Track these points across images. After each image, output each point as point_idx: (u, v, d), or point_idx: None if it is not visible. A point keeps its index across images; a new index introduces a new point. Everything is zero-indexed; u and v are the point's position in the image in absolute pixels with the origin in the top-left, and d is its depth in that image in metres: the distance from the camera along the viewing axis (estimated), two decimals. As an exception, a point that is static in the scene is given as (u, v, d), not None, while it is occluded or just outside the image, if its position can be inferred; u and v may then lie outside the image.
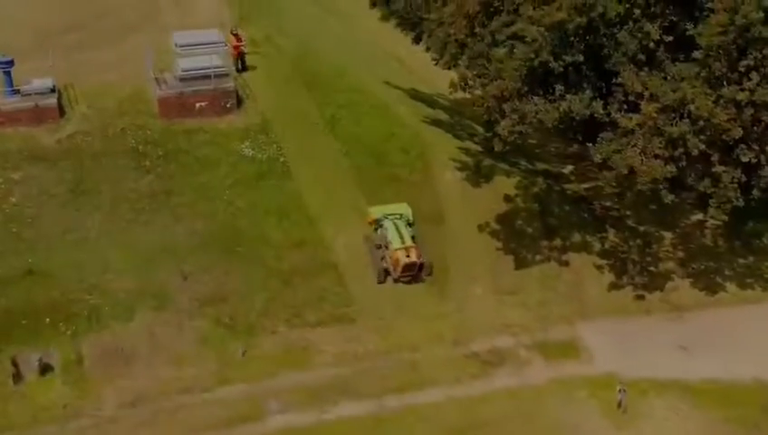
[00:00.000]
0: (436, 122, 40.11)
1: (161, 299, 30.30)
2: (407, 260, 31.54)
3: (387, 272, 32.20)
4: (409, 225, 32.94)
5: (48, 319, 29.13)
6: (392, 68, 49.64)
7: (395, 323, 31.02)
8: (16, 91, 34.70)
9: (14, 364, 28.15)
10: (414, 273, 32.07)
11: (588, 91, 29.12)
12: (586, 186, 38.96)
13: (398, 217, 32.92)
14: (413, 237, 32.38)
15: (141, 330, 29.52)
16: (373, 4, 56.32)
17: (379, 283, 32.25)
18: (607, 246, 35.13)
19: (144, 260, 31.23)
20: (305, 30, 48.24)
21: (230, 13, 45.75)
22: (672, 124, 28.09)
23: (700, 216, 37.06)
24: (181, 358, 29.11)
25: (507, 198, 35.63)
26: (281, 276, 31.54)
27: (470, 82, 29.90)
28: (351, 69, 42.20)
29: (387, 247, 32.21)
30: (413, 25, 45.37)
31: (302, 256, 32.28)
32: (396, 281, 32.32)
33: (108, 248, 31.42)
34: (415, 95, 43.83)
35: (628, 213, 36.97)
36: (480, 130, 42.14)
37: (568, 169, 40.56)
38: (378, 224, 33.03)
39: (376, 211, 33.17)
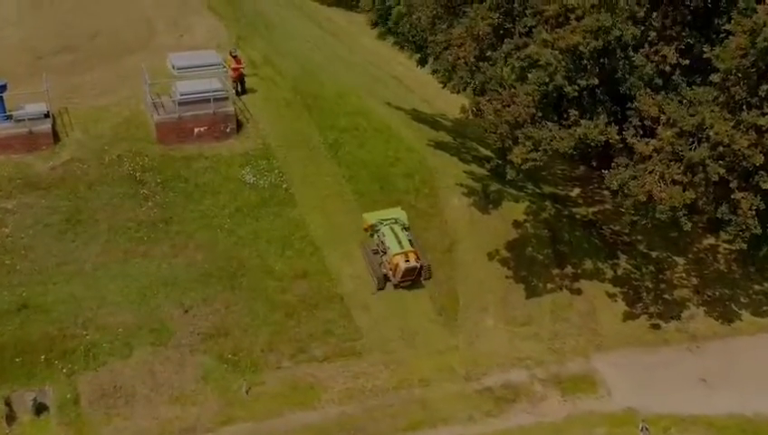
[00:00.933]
0: (441, 145, 39.10)
1: (161, 334, 29.10)
2: (406, 265, 31.02)
3: (386, 278, 31.56)
4: (405, 229, 32.30)
5: (43, 356, 27.88)
6: (392, 88, 48.91)
7: (404, 357, 29.87)
8: (9, 117, 33.52)
9: (8, 404, 26.86)
10: (414, 277, 31.55)
11: (602, 117, 28.11)
12: (594, 209, 38.19)
13: (393, 221, 32.31)
14: (410, 241, 31.81)
15: (140, 367, 28.30)
16: (374, 24, 55.49)
17: (379, 289, 31.60)
18: (619, 272, 34.12)
19: (142, 293, 30.06)
20: (303, 50, 47.40)
21: (227, 33, 44.71)
22: (690, 149, 27.19)
23: (712, 240, 36.24)
24: (182, 396, 27.85)
25: (516, 224, 34.60)
26: (285, 309, 30.40)
27: (482, 108, 28.83)
28: (352, 90, 41.21)
29: (385, 253, 31.66)
30: (418, 47, 44.37)
31: (307, 287, 31.16)
32: (396, 287, 31.66)
33: (105, 281, 30.22)
34: (417, 116, 42.96)
35: (638, 238, 36.00)
36: (484, 150, 41.36)
37: (575, 191, 39.78)
38: (373, 229, 32.39)
39: (371, 217, 32.61)
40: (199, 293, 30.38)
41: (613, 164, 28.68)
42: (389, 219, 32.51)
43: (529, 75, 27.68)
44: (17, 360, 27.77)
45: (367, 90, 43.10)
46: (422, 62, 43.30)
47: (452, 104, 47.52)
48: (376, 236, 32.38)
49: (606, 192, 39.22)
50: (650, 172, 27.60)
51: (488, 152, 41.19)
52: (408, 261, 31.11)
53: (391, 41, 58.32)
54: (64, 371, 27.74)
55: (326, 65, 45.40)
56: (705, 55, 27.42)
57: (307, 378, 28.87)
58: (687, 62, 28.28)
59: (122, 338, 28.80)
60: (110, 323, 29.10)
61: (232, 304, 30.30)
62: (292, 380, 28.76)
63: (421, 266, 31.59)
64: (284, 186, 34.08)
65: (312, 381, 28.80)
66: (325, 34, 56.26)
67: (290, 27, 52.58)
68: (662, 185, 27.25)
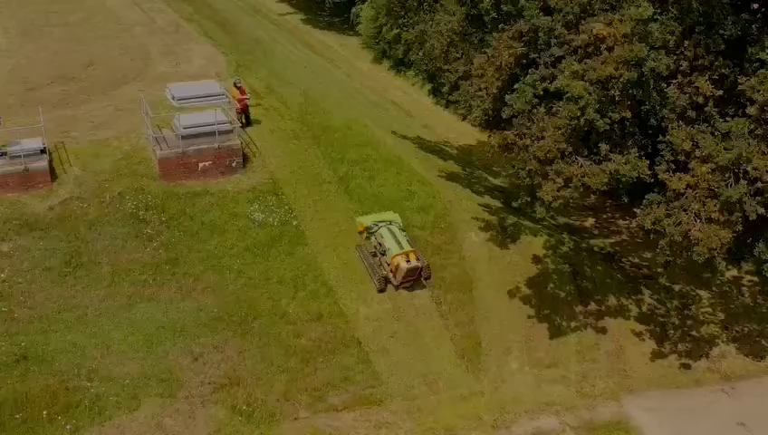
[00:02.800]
0: (452, 176, 37.76)
1: (170, 384, 27.37)
2: (408, 265, 30.35)
3: (386, 280, 30.87)
4: (401, 230, 31.68)
5: (45, 411, 26.00)
6: (393, 114, 47.75)
7: (427, 404, 28.27)
8: (3, 154, 31.86)
9: (7, 466, 25.27)
10: (415, 277, 30.93)
11: (633, 150, 26.82)
12: (611, 241, 36.93)
13: (388, 223, 31.57)
14: (408, 242, 31.25)
15: (149, 420, 26.50)
16: (383, 53, 54.17)
17: (380, 291, 30.86)
18: (644, 309, 32.77)
19: (149, 340, 28.39)
20: (303, 76, 46.18)
21: (225, 60, 43.37)
22: (727, 185, 25.92)
23: (735, 271, 35.03)
24: (195, 452, 26.25)
25: (536, 259, 33.23)
26: (300, 355, 28.79)
27: (511, 143, 27.42)
28: (358, 119, 39.88)
29: (384, 254, 30.92)
30: (430, 76, 43.05)
31: (322, 331, 29.57)
32: (397, 288, 30.91)
33: (109, 328, 28.54)
34: (422, 145, 41.78)
35: (659, 270, 34.70)
36: (493, 180, 40.25)
37: (589, 221, 38.53)
38: (369, 232, 31.66)
39: (366, 219, 31.97)
40: (209, 339, 28.75)
41: (645, 201, 27.37)
42: (385, 221, 31.77)
43: (558, 108, 26.29)
44: (17, 416, 25.89)
45: (372, 118, 41.87)
46: (434, 93, 41.94)
47: (453, 130, 46.76)
48: (373, 238, 31.63)
49: (621, 222, 38.22)
50: (685, 210, 26.33)
51: (498, 182, 40.14)
52: (408, 261, 30.46)
53: (387, 65, 57.03)
54: (68, 427, 25.89)
55: (328, 93, 44.11)
56: (740, 87, 26.24)
57: (326, 429, 27.19)
58: (721, 92, 27.04)
59: (129, 390, 27.05)
60: (115, 374, 27.38)
61: (244, 350, 28.68)
62: (310, 431, 27.05)
63: (422, 267, 30.92)
64: (294, 223, 32.56)
65: (331, 432, 27.12)
66: (321, 59, 55.06)
67: (287, 53, 51.44)
68: (698, 224, 25.98)
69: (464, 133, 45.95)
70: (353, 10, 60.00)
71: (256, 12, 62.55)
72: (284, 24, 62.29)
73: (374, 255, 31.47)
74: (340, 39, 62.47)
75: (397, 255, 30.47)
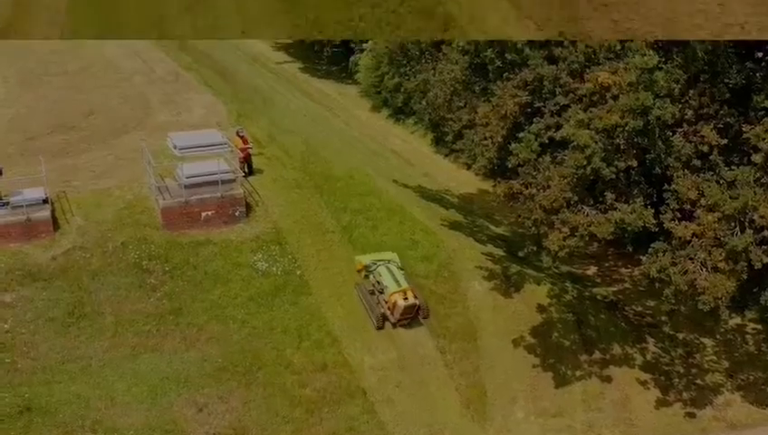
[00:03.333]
0: (454, 225, 37.81)
1: (174, 436, 27.15)
2: (405, 302, 30.64)
3: (384, 317, 31.11)
4: (399, 269, 32.01)
5: (49, 465, 25.85)
6: (393, 163, 47.88)
7: (433, 456, 28.11)
8: (5, 204, 31.76)
9: None
10: (412, 315, 31.19)
11: (639, 199, 26.92)
12: (614, 289, 36.89)
13: (387, 262, 31.93)
14: (406, 280, 31.58)
15: (154, 473, 26.32)
16: (385, 102, 54.00)
17: (379, 329, 31.02)
18: (648, 357, 32.65)
19: (153, 391, 28.08)
20: (303, 125, 46.35)
21: (225, 110, 43.53)
22: (733, 234, 26.00)
23: (738, 319, 34.99)
24: (200, 506, 25.90)
25: (540, 308, 33.17)
26: (305, 405, 28.52)
27: (516, 192, 27.52)
28: (360, 168, 39.99)
29: (382, 292, 31.21)
30: (434, 126, 43.27)
31: (327, 381, 29.34)
32: (394, 326, 31.04)
33: (113, 379, 28.26)
34: (423, 193, 41.86)
35: (663, 319, 34.69)
36: (495, 229, 40.28)
37: (591, 270, 38.49)
38: (367, 270, 32.01)
39: (365, 258, 32.40)
40: (214, 389, 28.46)
41: (651, 249, 27.41)
42: (383, 260, 32.12)
43: (564, 157, 26.45)
44: (20, 470, 25.71)
45: (373, 167, 41.97)
46: (437, 142, 42.13)
47: (453, 178, 46.86)
48: (371, 277, 31.90)
49: (624, 270, 38.23)
50: (692, 259, 26.36)
51: (500, 230, 40.19)
52: (406, 299, 30.72)
53: (386, 113, 57.19)
54: (72, 479, 25.71)
55: (328, 141, 44.27)
56: (745, 135, 26.47)
57: (333, 482, 26.99)
58: (726, 141, 27.24)
59: (133, 441, 26.82)
60: (120, 425, 27.02)
61: (249, 400, 28.38)
62: (316, 484, 26.89)
63: (419, 305, 31.16)
64: (298, 272, 32.46)
65: (337, 483, 26.93)
66: (320, 108, 55.31)
67: (286, 101, 51.71)
68: (704, 273, 26.00)
69: (464, 182, 46.11)
70: (352, 59, 60.39)
71: (254, 60, 62.97)
72: (282, 73, 62.62)
73: (372, 293, 31.71)
74: (339, 87, 62.74)
75: (394, 292, 30.69)
